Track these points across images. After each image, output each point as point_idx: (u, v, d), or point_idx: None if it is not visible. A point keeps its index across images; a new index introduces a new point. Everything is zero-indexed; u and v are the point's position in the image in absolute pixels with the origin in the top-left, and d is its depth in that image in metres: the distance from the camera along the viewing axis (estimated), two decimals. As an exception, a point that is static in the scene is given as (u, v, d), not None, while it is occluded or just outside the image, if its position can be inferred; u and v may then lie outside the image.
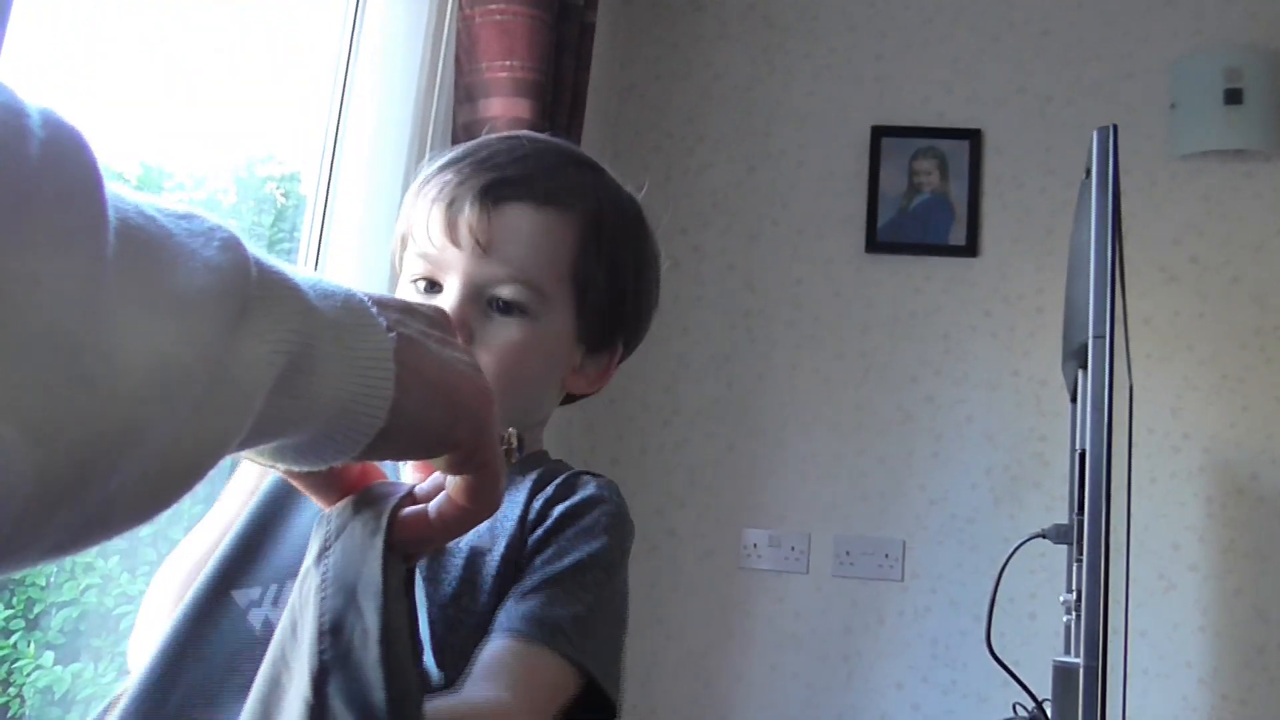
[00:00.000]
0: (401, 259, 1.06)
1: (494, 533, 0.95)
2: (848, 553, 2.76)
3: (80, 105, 1.58)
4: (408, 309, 0.58)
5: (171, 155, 1.75)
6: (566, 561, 0.93)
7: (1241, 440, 2.69)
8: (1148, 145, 2.80)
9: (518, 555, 0.94)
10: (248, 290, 0.45)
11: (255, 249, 0.47)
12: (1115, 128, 1.67)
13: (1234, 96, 2.70)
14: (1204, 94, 2.74)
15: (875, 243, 2.87)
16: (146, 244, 0.41)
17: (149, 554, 1.63)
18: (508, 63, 1.88)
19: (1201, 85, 2.75)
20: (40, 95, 0.39)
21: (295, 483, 0.64)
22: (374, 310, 0.54)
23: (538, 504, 0.97)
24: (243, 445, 0.47)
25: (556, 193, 1.01)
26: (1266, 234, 2.76)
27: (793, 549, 2.76)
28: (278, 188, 1.95)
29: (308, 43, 1.96)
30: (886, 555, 2.74)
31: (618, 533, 0.98)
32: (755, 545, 2.78)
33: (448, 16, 1.99)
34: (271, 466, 0.56)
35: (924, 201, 2.88)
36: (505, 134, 1.09)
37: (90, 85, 1.58)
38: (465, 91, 1.90)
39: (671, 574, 2.76)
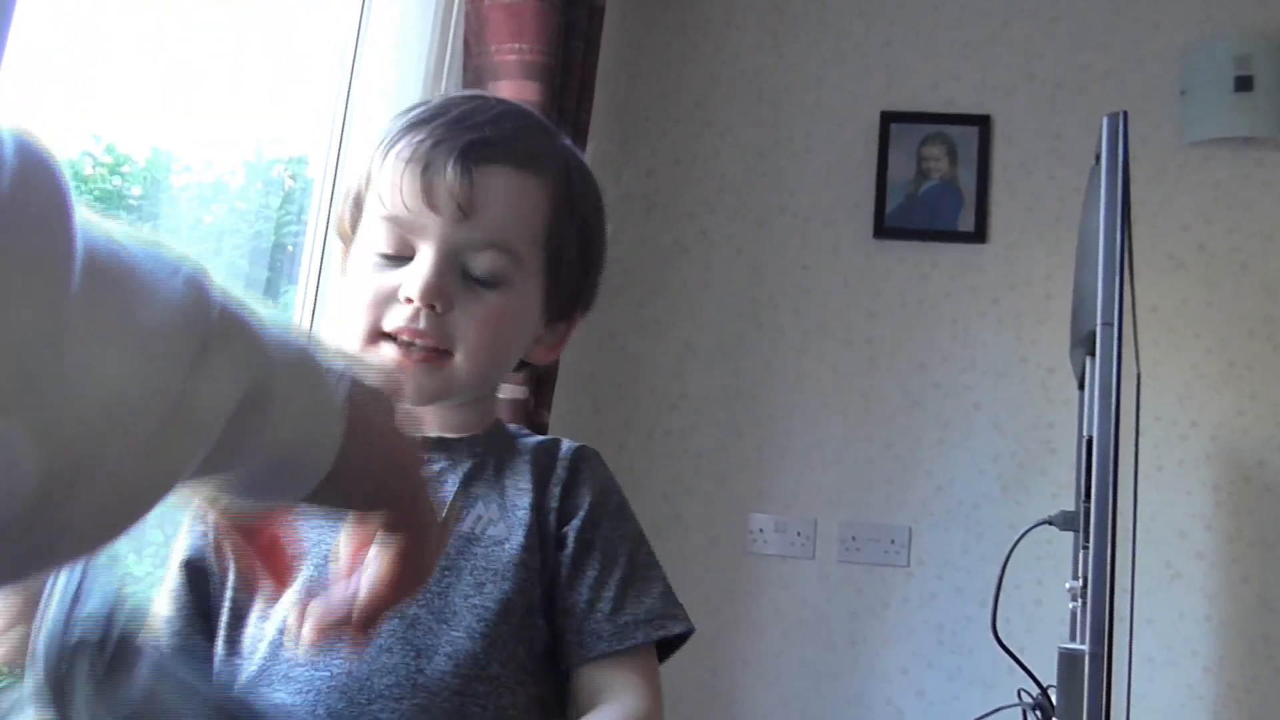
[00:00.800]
0: (353, 221, 1.00)
1: (508, 522, 0.95)
2: (854, 538, 2.76)
3: (90, 88, 1.58)
4: (359, 364, 0.58)
5: (180, 137, 1.75)
6: (623, 559, 0.97)
7: (1249, 428, 2.68)
8: (1157, 132, 2.79)
9: (544, 546, 0.95)
10: (209, 327, 0.45)
11: (220, 285, 0.47)
12: (1125, 114, 1.67)
13: (1244, 84, 2.69)
14: (1214, 81, 2.73)
15: (883, 229, 2.87)
16: (112, 275, 0.41)
17: (156, 535, 1.63)
18: (517, 45, 1.87)
19: (1211, 72, 2.73)
20: (17, 116, 0.39)
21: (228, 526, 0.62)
22: (329, 358, 0.54)
23: (556, 491, 0.97)
24: (192, 477, 0.47)
25: (535, 155, 0.98)
26: (1276, 222, 2.75)
27: (799, 535, 2.77)
28: (285, 170, 1.95)
29: (317, 25, 1.96)
30: (893, 541, 2.74)
31: (623, 495, 1.02)
32: (761, 531, 2.78)
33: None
34: (213, 503, 0.56)
35: (932, 188, 2.87)
36: (467, 93, 1.05)
37: (100, 67, 1.58)
38: (474, 74, 1.90)
39: (678, 559, 2.76)
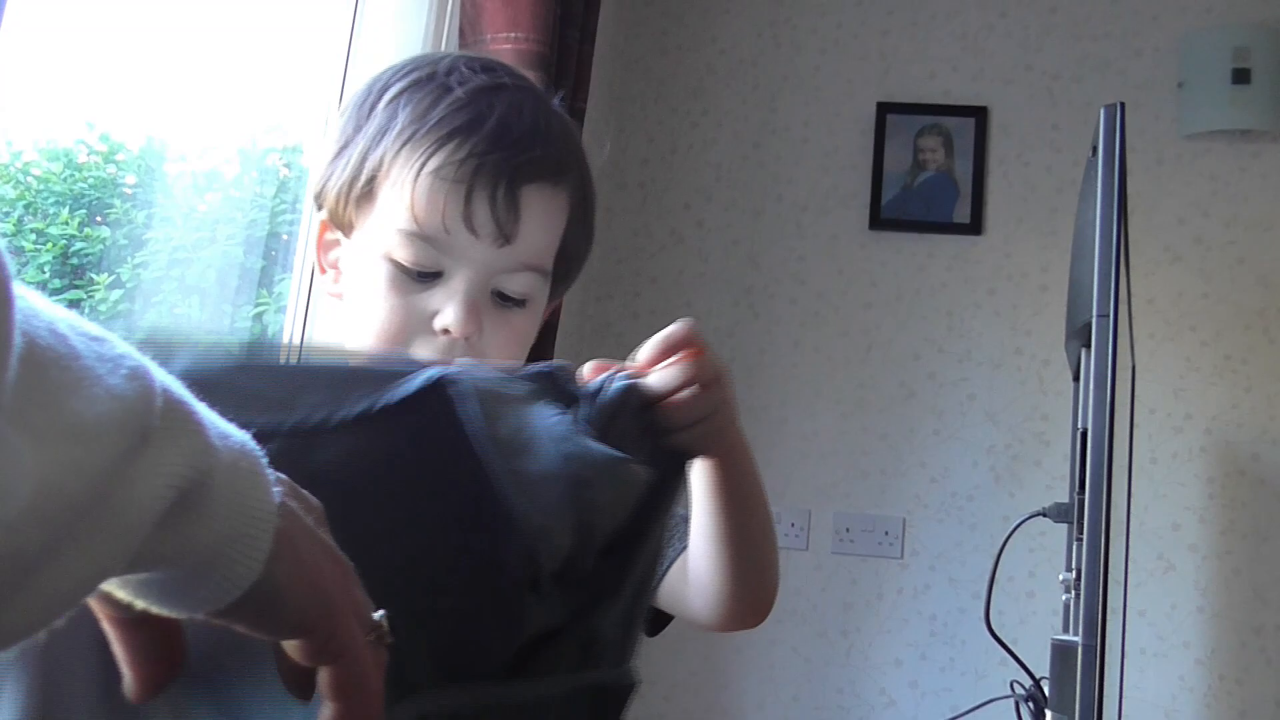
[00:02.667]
0: (358, 211, 0.92)
1: None
2: (848, 530, 2.76)
3: (84, 75, 1.57)
4: (291, 484, 0.55)
5: (175, 126, 1.74)
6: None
7: (1243, 421, 2.69)
8: (1155, 124, 2.79)
9: None
10: (150, 421, 0.43)
11: (164, 377, 0.46)
12: (1122, 106, 1.66)
13: (1242, 76, 2.69)
14: (1212, 73, 2.73)
15: (879, 220, 2.87)
16: (51, 367, 0.40)
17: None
18: (512, 34, 1.87)
19: (1209, 64, 2.73)
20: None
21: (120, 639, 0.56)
22: (266, 462, 0.51)
23: None
24: (115, 574, 0.45)
25: (566, 165, 0.92)
26: (1273, 215, 2.75)
27: (793, 525, 2.77)
28: (280, 159, 1.95)
29: (312, 12, 1.95)
30: (886, 533, 2.75)
31: None
32: (755, 521, 2.78)
33: (452, -12, 1.98)
34: (129, 604, 0.51)
35: (928, 179, 2.87)
36: (484, 78, 0.92)
37: (94, 54, 1.57)
38: (469, 64, 1.89)
39: (672, 549, 2.76)
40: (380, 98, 0.93)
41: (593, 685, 0.72)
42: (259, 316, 1.83)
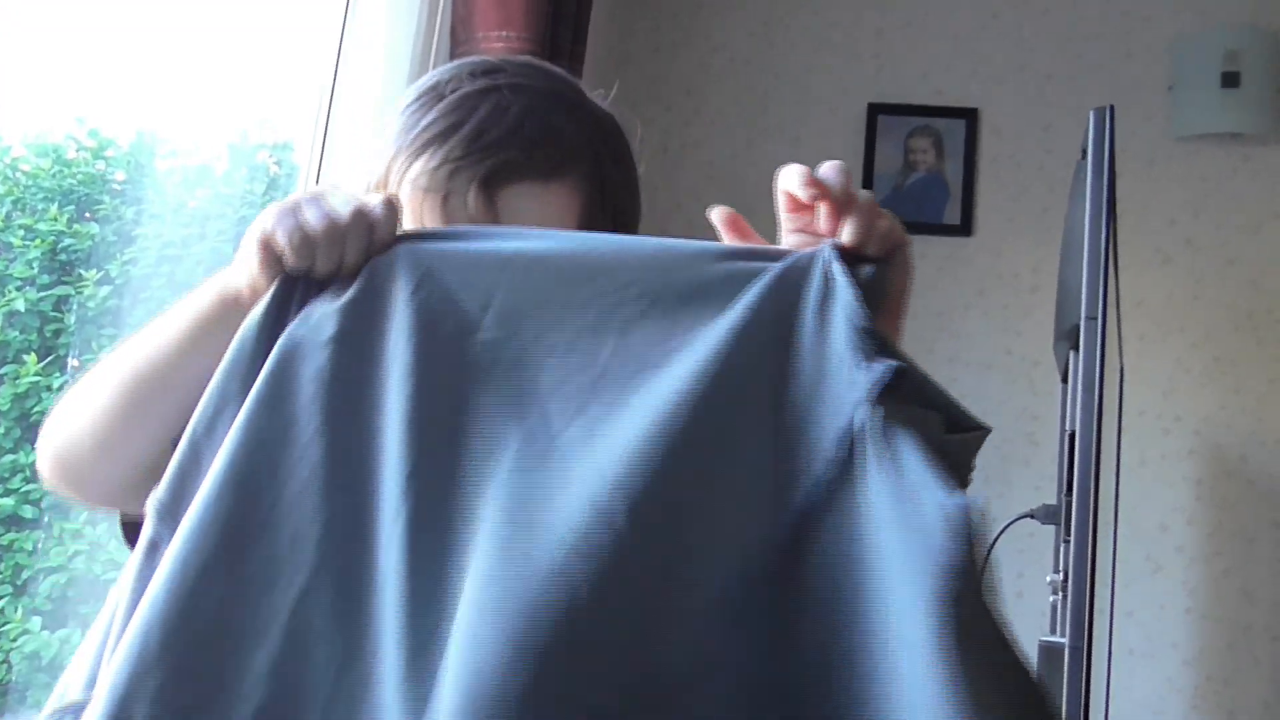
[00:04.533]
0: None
1: None
2: (837, 529, 2.76)
3: (74, 70, 1.57)
4: None
5: (165, 122, 1.74)
6: None
7: (1231, 423, 2.69)
8: (1145, 126, 2.80)
9: None
10: None
11: None
12: (1112, 108, 1.67)
13: (1231, 79, 2.69)
14: (1201, 76, 2.73)
15: (870, 220, 2.86)
16: None
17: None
18: (504, 33, 1.87)
19: (1199, 67, 2.74)
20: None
21: None
22: None
23: None
24: None
25: (560, 161, 0.90)
26: (1262, 217, 2.76)
27: (782, 525, 2.77)
28: (270, 156, 1.94)
29: (303, 9, 1.95)
30: (876, 532, 2.75)
31: None
32: (745, 520, 2.78)
33: (444, -14, 1.97)
34: None
35: (919, 180, 2.87)
36: (480, 81, 0.91)
37: (84, 51, 1.57)
38: (461, 62, 1.88)
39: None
40: (400, 109, 0.94)
41: None
42: (248, 313, 1.82)
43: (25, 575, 1.53)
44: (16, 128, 1.59)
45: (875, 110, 2.90)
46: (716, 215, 0.77)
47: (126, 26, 1.62)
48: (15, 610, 1.50)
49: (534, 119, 0.91)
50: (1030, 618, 2.60)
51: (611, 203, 0.95)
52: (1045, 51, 2.89)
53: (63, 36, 1.53)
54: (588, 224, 0.92)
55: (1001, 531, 2.06)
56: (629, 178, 0.99)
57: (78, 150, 1.67)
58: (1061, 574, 1.70)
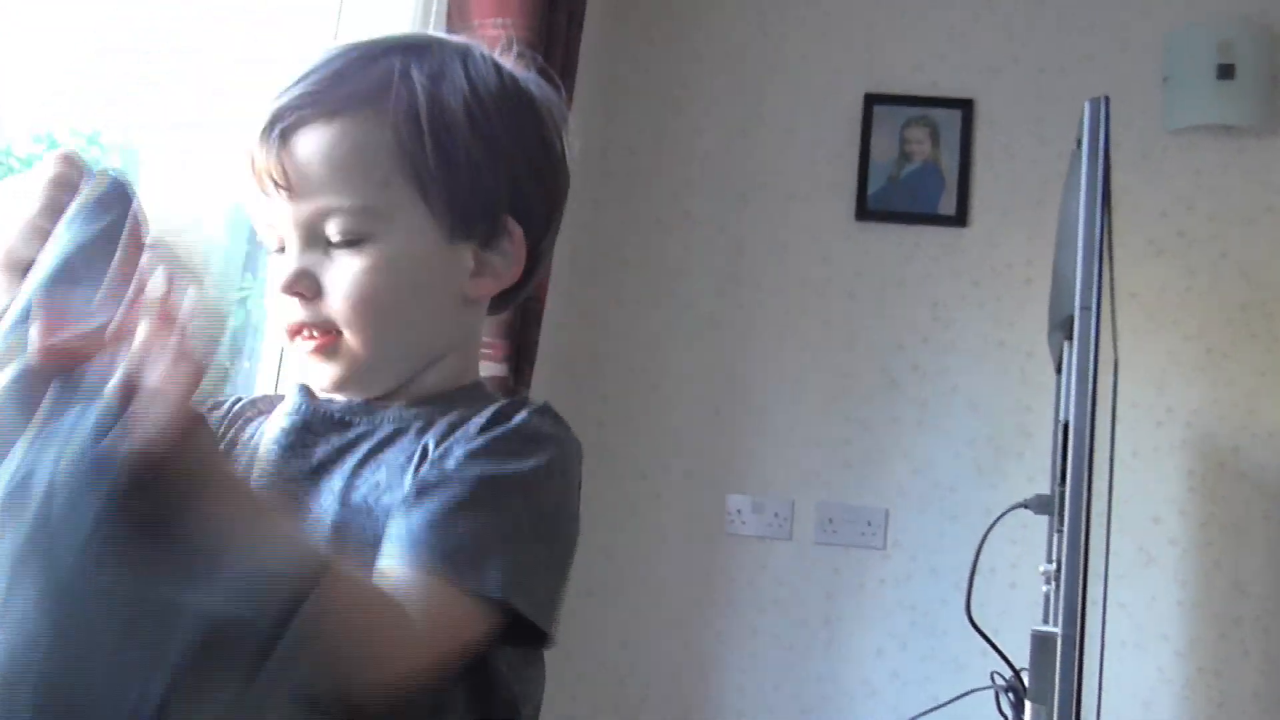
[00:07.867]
0: None
1: (401, 483, 0.86)
2: (830, 520, 2.77)
3: (70, 66, 1.57)
4: None
5: (159, 107, 1.73)
6: (476, 491, 0.83)
7: (1224, 415, 2.70)
8: (1140, 118, 2.80)
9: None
10: None
11: None
12: (1107, 99, 1.67)
13: (1226, 71, 2.70)
14: (1196, 68, 2.73)
15: (865, 211, 2.87)
16: None
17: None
18: (500, 20, 1.86)
19: (1194, 59, 2.74)
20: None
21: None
22: None
23: (446, 430, 0.89)
24: None
25: (346, 99, 0.89)
26: (1256, 210, 2.77)
27: (776, 515, 2.77)
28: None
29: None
30: (869, 523, 2.75)
31: (543, 472, 0.88)
32: (739, 511, 2.79)
33: (439, -27, 1.97)
34: None
35: (915, 170, 2.87)
36: (326, 51, 0.92)
37: (79, 48, 1.57)
38: (456, 50, 1.88)
39: (655, 538, 2.77)
40: None
41: None
42: (243, 301, 1.82)
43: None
44: (15, 124, 1.59)
45: (871, 100, 2.90)
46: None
47: (118, 17, 1.62)
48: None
49: (329, 64, 0.91)
50: (1023, 608, 2.60)
51: (444, 134, 0.90)
52: (1040, 43, 2.89)
53: (59, 30, 1.52)
54: (411, 148, 0.89)
55: (995, 522, 2.07)
56: (484, 112, 0.93)
57: (70, 138, 1.67)
58: (1054, 564, 1.71)
